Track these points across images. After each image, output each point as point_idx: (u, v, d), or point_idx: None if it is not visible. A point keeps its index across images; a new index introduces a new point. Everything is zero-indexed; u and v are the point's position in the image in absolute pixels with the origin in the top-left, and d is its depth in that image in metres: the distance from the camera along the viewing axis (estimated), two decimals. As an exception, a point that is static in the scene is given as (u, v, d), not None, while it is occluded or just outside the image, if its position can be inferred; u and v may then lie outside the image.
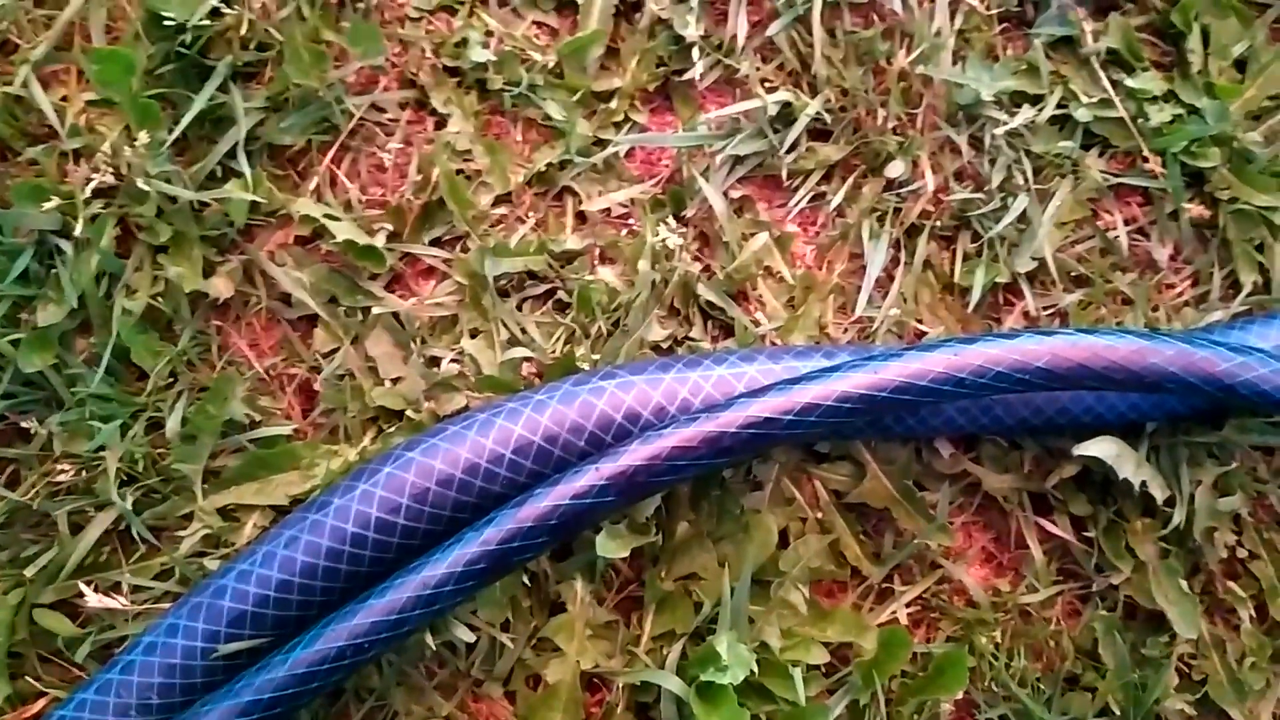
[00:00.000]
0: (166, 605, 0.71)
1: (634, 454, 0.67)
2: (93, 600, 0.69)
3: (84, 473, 0.72)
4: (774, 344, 0.79)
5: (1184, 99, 0.85)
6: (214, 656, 0.66)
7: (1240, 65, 0.87)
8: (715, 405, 0.69)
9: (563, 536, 0.70)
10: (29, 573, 0.70)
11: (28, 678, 0.70)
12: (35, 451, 0.73)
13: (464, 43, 0.82)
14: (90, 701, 0.66)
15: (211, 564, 0.71)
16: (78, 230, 0.72)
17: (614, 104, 0.83)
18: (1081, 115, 0.83)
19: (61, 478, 0.71)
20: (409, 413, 0.75)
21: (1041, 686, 0.75)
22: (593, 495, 0.66)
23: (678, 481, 0.73)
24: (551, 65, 0.83)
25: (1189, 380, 0.67)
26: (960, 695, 0.72)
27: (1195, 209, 0.83)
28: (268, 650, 0.67)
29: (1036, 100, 0.84)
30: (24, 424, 0.72)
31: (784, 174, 0.83)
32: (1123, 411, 0.75)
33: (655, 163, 0.84)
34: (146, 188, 0.74)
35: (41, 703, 0.70)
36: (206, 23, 0.75)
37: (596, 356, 0.74)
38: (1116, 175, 0.84)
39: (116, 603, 0.69)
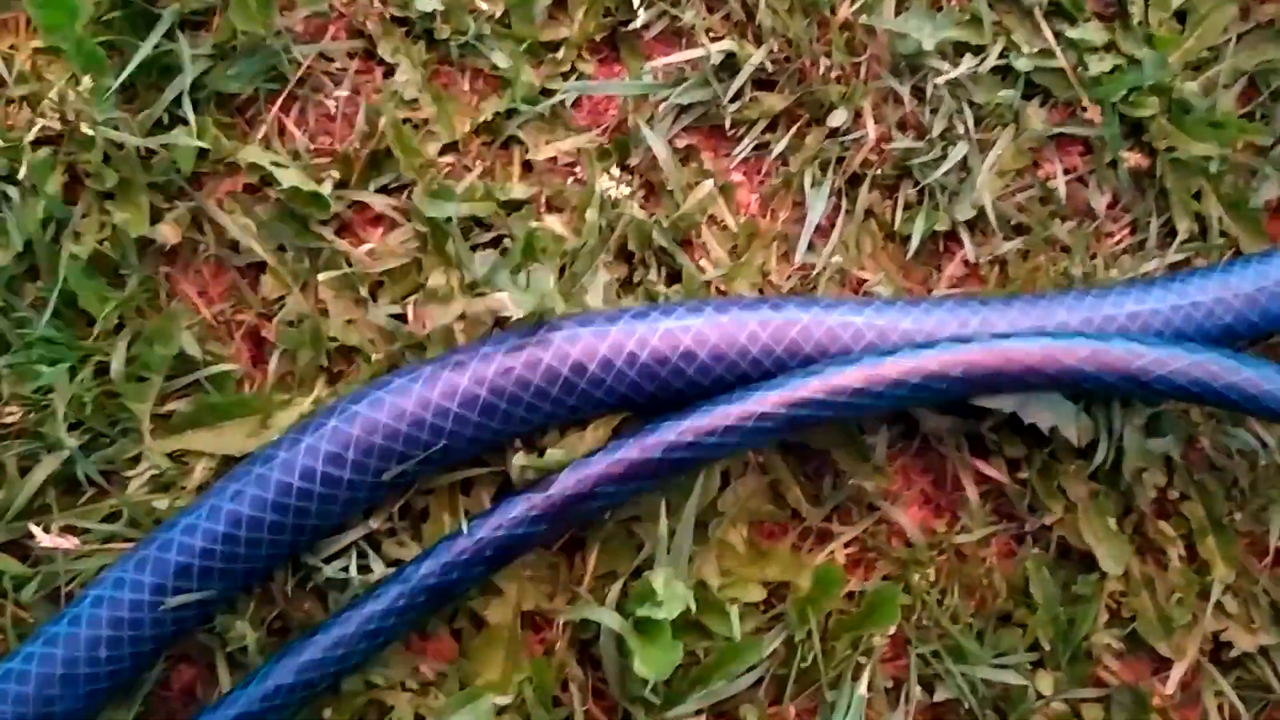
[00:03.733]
0: (115, 546, 0.72)
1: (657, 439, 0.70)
2: (44, 540, 0.70)
3: (32, 415, 0.73)
4: (720, 291, 0.80)
5: (1124, 49, 0.86)
6: (161, 609, 0.68)
7: (1181, 16, 0.88)
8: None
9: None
10: (20, 498, 0.71)
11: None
12: (-19, 395, 0.73)
13: (410, -11, 0.83)
14: (38, 654, 0.67)
15: (160, 504, 0.72)
16: (22, 174, 0.72)
17: (561, 54, 0.84)
18: (1022, 65, 0.85)
19: (9, 420, 0.72)
20: (371, 356, 0.76)
21: (973, 623, 0.77)
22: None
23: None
24: (499, 15, 0.83)
25: (1104, 378, 0.70)
26: (893, 631, 0.74)
27: (1133, 158, 0.84)
28: (214, 603, 0.69)
29: (979, 50, 0.85)
30: (-20, 365, 0.73)
31: (728, 123, 0.84)
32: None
33: (602, 112, 0.85)
34: (92, 134, 0.74)
35: (-9, 646, 0.72)
36: (151, -31, 0.76)
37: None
38: (1057, 125, 0.86)
39: (66, 543, 0.71)
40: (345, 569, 0.72)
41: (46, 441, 0.72)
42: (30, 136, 0.73)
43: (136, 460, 0.74)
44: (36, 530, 0.70)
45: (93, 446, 0.74)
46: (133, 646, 0.68)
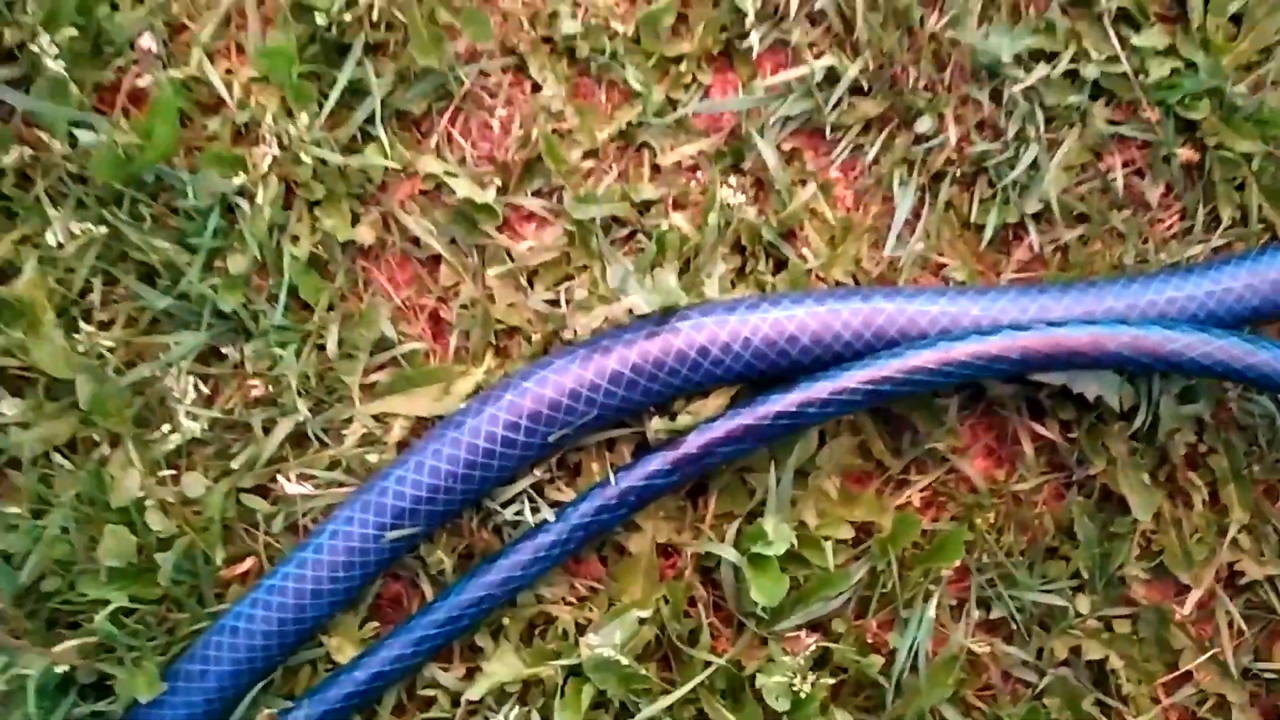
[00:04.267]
0: (337, 491, 0.91)
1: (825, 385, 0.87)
2: (289, 487, 0.90)
3: (270, 387, 0.92)
4: (819, 278, 0.95)
5: (1183, 53, 0.97)
6: (381, 541, 0.88)
7: (1237, 19, 0.98)
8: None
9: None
10: (235, 465, 0.91)
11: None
12: (230, 371, 0.93)
13: (555, 15, 0.96)
14: (292, 574, 0.88)
15: (370, 457, 0.92)
16: (265, 199, 0.90)
17: (683, 66, 0.97)
18: (1090, 72, 0.96)
19: (254, 392, 0.92)
20: (530, 336, 0.93)
21: (1025, 556, 0.94)
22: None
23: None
24: (630, 34, 0.97)
25: (1141, 360, 0.84)
26: (958, 563, 0.92)
27: (1186, 153, 0.97)
28: (419, 536, 0.89)
29: (1051, 57, 0.97)
30: (223, 349, 0.92)
31: (828, 128, 0.97)
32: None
33: (719, 119, 0.99)
34: (305, 157, 0.91)
35: (248, 562, 0.92)
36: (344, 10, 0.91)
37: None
38: (1118, 124, 0.97)
39: (303, 488, 0.91)
40: (518, 511, 0.91)
41: (283, 409, 0.92)
42: (263, 168, 0.89)
43: (349, 421, 0.93)
44: (281, 479, 0.90)
45: (316, 411, 0.93)
46: (360, 569, 0.89)
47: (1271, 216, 0.97)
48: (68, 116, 0.89)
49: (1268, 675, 0.96)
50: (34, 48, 0.88)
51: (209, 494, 0.90)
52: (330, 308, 0.94)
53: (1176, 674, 0.96)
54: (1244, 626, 0.96)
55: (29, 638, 0.86)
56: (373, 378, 0.94)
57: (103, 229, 0.90)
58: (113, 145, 0.88)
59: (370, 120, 0.94)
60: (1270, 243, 0.95)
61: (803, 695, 0.86)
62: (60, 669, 0.85)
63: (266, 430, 0.92)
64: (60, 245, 0.89)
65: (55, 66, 0.88)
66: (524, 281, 0.95)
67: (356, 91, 0.95)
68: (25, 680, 0.83)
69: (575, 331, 0.91)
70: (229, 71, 0.95)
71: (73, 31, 0.90)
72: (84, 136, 0.88)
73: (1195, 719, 0.97)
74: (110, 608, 0.86)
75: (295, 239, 0.93)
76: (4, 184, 0.91)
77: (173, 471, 0.91)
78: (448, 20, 0.94)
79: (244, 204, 0.91)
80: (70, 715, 0.87)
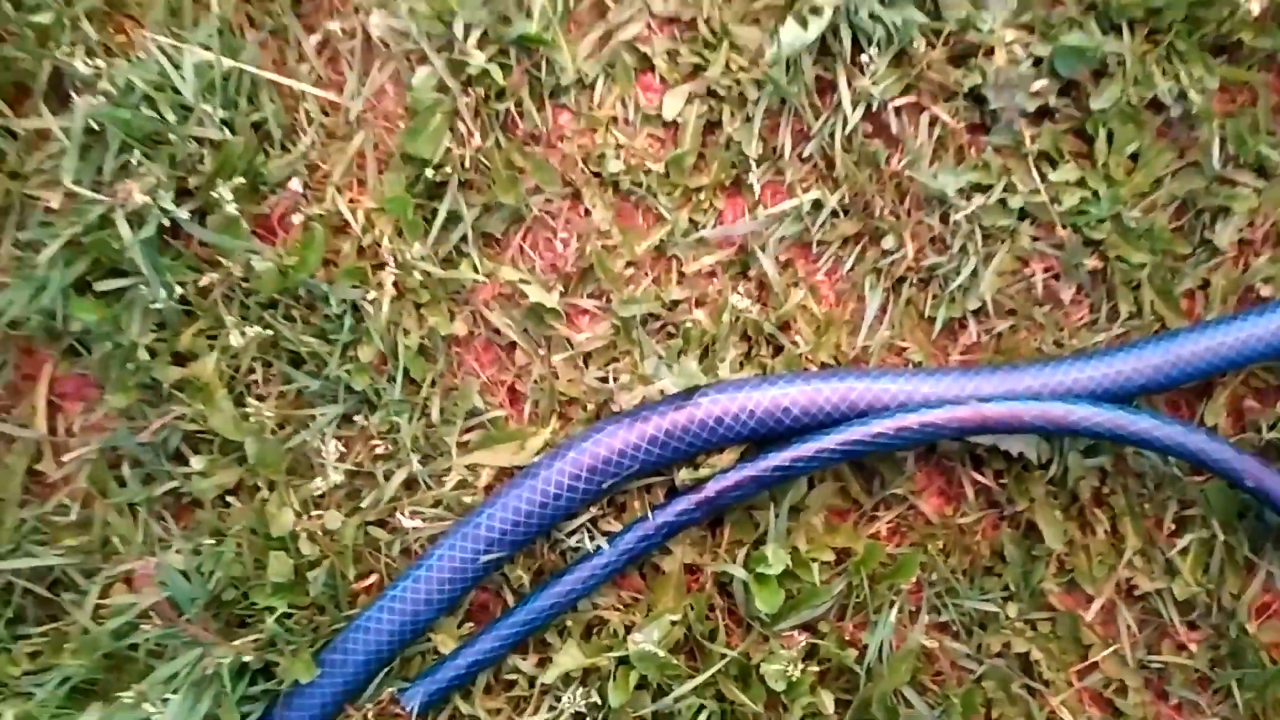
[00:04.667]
0: (440, 523, 1.20)
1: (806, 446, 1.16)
2: (404, 521, 1.19)
3: (390, 445, 1.21)
4: (808, 359, 1.24)
5: (1090, 185, 1.25)
6: (476, 563, 1.17)
7: (1135, 157, 1.26)
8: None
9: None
10: (363, 504, 1.21)
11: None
12: (359, 433, 1.22)
13: (603, 156, 1.25)
14: (409, 586, 1.17)
15: (466, 499, 1.21)
16: (384, 303, 1.19)
17: (702, 196, 1.26)
18: (1016, 201, 1.24)
19: (377, 450, 1.21)
20: (586, 405, 1.22)
21: (966, 574, 1.23)
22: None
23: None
24: (661, 171, 1.26)
25: (1049, 428, 1.13)
26: (914, 579, 1.20)
27: (1091, 263, 1.25)
28: (504, 559, 1.18)
29: (987, 189, 1.25)
30: (354, 417, 1.22)
31: (814, 244, 1.26)
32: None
33: (731, 238, 1.27)
34: (415, 271, 1.20)
35: (373, 578, 1.22)
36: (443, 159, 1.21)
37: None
38: (1038, 240, 1.26)
39: (415, 522, 1.20)
40: (579, 539, 1.20)
41: (399, 461, 1.21)
42: (388, 286, 1.18)
43: (449, 470, 1.22)
44: (399, 515, 1.20)
45: (424, 463, 1.22)
46: (460, 583, 1.18)
47: (1161, 311, 1.25)
48: (244, 248, 1.18)
49: (1157, 665, 1.24)
50: (213, 194, 1.17)
51: (344, 526, 1.20)
52: (433, 384, 1.23)
53: (1086, 664, 1.24)
54: (1137, 628, 1.24)
55: (217, 635, 1.16)
56: (466, 437, 1.23)
57: (264, 330, 1.19)
58: (274, 268, 1.18)
59: (463, 240, 1.24)
60: (1155, 335, 1.22)
61: (796, 679, 1.15)
62: (242, 658, 1.14)
63: (387, 478, 1.22)
64: (235, 342, 1.19)
65: (230, 209, 1.17)
66: (581, 363, 1.24)
67: (452, 217, 1.24)
68: (218, 666, 1.13)
69: (621, 404, 1.20)
70: (353, 201, 1.25)
71: (241, 180, 1.19)
72: (256, 263, 1.17)
73: (1101, 699, 1.25)
74: (276, 614, 1.16)
75: (407, 332, 1.22)
76: (188, 291, 1.20)
77: (318, 510, 1.20)
78: (520, 164, 1.23)
79: (369, 307, 1.20)
80: (246, 693, 1.17)
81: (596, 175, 1.27)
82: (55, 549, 1.21)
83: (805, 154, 1.26)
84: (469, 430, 1.24)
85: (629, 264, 1.26)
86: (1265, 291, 1.24)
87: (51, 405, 1.25)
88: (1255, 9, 1.21)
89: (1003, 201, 1.25)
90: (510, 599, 1.22)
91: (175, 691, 1.13)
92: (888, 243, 1.25)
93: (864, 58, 1.23)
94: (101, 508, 1.22)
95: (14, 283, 1.20)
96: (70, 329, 1.21)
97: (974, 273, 1.25)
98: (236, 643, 1.15)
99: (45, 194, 1.20)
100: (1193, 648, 1.24)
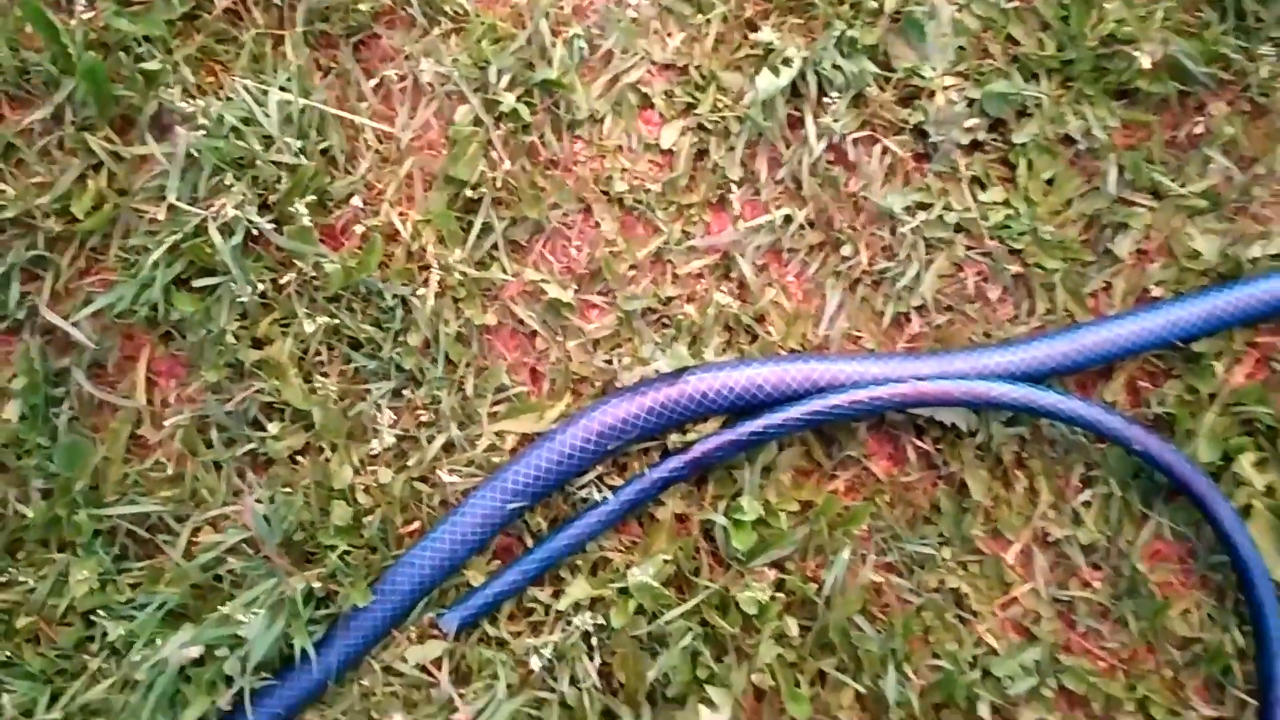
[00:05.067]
0: (473, 479, 1.46)
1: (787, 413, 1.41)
2: (445, 478, 1.44)
3: (432, 415, 1.47)
4: (780, 346, 1.50)
5: (1013, 204, 1.51)
6: (503, 510, 1.42)
7: (1050, 181, 1.52)
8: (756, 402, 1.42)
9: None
10: (409, 463, 1.46)
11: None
12: (407, 405, 1.47)
13: (610, 178, 1.52)
14: (447, 531, 1.42)
15: (494, 459, 1.46)
16: (429, 298, 1.45)
17: (692, 211, 1.52)
18: (952, 218, 1.50)
19: (422, 418, 1.46)
20: (595, 382, 1.48)
21: (909, 523, 1.48)
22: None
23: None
24: (659, 190, 1.52)
25: (974, 403, 1.38)
26: (865, 526, 1.45)
27: (1014, 268, 1.50)
28: (526, 508, 1.43)
29: (928, 207, 1.51)
30: (403, 392, 1.47)
31: (785, 250, 1.52)
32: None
33: (716, 246, 1.53)
34: (454, 271, 1.46)
35: (416, 524, 1.47)
36: (479, 181, 1.47)
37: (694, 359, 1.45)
38: (970, 249, 1.52)
39: (452, 478, 1.45)
40: (588, 492, 1.45)
41: (440, 428, 1.46)
42: (434, 285, 1.44)
43: (480, 436, 1.47)
44: (439, 472, 1.45)
45: (461, 429, 1.47)
46: (489, 528, 1.43)
47: (1071, 308, 1.51)
48: (314, 252, 1.44)
49: (1066, 599, 1.49)
50: (289, 208, 1.43)
51: (394, 481, 1.45)
52: (468, 365, 1.49)
53: (1008, 598, 1.49)
54: (1050, 569, 1.49)
55: (291, 566, 1.41)
56: (495, 409, 1.48)
57: (330, 319, 1.45)
58: (340, 269, 1.44)
59: (494, 247, 1.49)
60: (1065, 327, 1.48)
61: (766, 606, 1.40)
62: (311, 586, 1.39)
63: (429, 441, 1.47)
64: (305, 329, 1.45)
65: (303, 220, 1.43)
66: (590, 348, 1.50)
67: (485, 228, 1.50)
68: (292, 592, 1.38)
69: (623, 382, 1.46)
70: (403, 215, 1.50)
71: (312, 197, 1.45)
72: (325, 265, 1.43)
73: (1020, 627, 1.50)
74: (337, 551, 1.41)
75: (447, 322, 1.48)
76: (267, 287, 1.46)
77: (372, 467, 1.45)
78: (542, 184, 1.50)
79: (416, 301, 1.46)
80: (312, 616, 1.41)
81: (605, 194, 1.53)
82: (153, 499, 1.45)
83: (778, 177, 1.52)
84: (498, 403, 1.49)
85: (631, 267, 1.52)
86: (1157, 292, 1.50)
87: (149, 382, 1.50)
88: (1146, 62, 1.47)
89: (941, 217, 1.51)
90: (530, 541, 1.47)
91: (256, 612, 1.37)
92: (846, 250, 1.51)
93: (827, 100, 1.49)
94: (192, 465, 1.47)
95: (122, 280, 1.45)
96: (169, 319, 1.46)
97: (917, 276, 1.51)
98: (307, 574, 1.40)
99: (149, 208, 1.46)
100: (1095, 585, 1.49)
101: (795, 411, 1.41)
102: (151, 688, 1.38)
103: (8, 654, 1.42)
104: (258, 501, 1.42)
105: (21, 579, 1.42)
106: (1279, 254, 1.49)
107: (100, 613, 1.41)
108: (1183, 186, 1.51)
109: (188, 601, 1.43)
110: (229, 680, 1.38)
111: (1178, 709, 1.47)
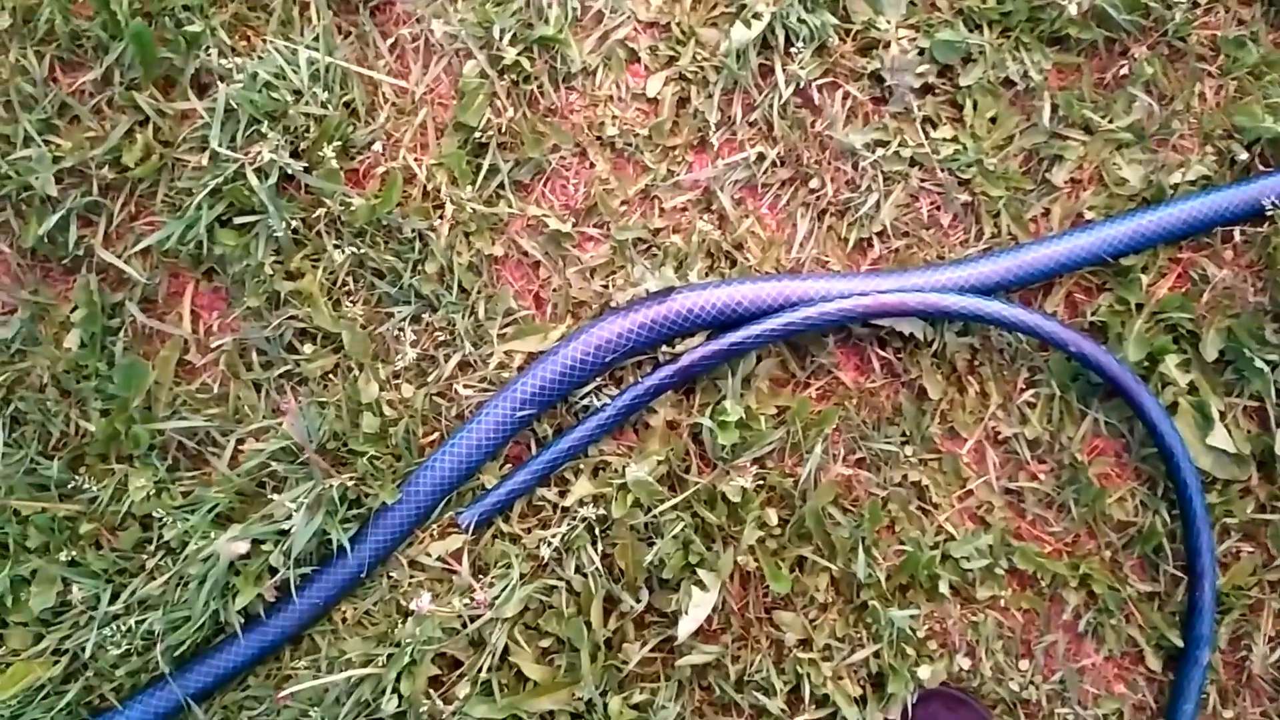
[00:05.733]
0: (485, 393, 1.64)
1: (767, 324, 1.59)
2: (462, 390, 1.62)
3: (449, 335, 1.64)
4: (756, 269, 1.68)
5: (961, 140, 1.70)
6: (513, 420, 1.60)
7: (993, 119, 1.71)
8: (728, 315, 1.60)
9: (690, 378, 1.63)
10: (429, 379, 1.64)
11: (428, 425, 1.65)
12: (425, 327, 1.65)
13: (603, 124, 1.70)
14: (463, 439, 1.60)
15: (504, 375, 1.64)
16: (444, 232, 1.63)
17: (676, 152, 1.71)
18: (907, 153, 1.69)
19: (439, 338, 1.64)
20: (592, 305, 1.66)
21: (874, 424, 1.66)
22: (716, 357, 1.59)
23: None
24: (646, 134, 1.70)
25: (929, 312, 1.57)
26: (835, 426, 1.64)
27: (963, 198, 1.69)
28: (533, 416, 1.61)
29: (886, 144, 1.70)
30: (422, 316, 1.65)
31: (759, 185, 1.71)
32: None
33: (698, 182, 1.72)
34: (466, 207, 1.64)
35: (435, 435, 1.65)
36: (487, 127, 1.65)
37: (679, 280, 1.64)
38: (924, 182, 1.70)
39: (467, 391, 1.63)
40: (588, 401, 1.63)
41: (456, 347, 1.64)
42: (449, 217, 1.62)
43: (491, 355, 1.65)
44: (456, 387, 1.63)
45: (475, 348, 1.65)
46: (499, 436, 1.61)
47: (1015, 231, 1.69)
48: (340, 192, 1.62)
49: (1015, 490, 1.68)
50: (318, 154, 1.61)
51: (415, 395, 1.63)
52: (480, 292, 1.67)
53: (964, 490, 1.68)
54: (1000, 463, 1.68)
55: (329, 467, 1.59)
56: (504, 330, 1.66)
57: (356, 251, 1.63)
58: (365, 205, 1.62)
59: (501, 186, 1.68)
60: (1010, 247, 1.67)
61: (748, 495, 1.58)
62: (345, 485, 1.57)
63: (446, 360, 1.65)
64: (334, 261, 1.63)
65: (332, 164, 1.61)
66: (588, 275, 1.68)
67: (492, 169, 1.68)
68: (329, 490, 1.56)
69: (617, 303, 1.64)
70: (418, 159, 1.69)
71: (338, 143, 1.63)
72: (353, 201, 1.61)
73: (975, 516, 1.68)
74: (366, 456, 1.59)
75: (460, 253, 1.66)
76: (299, 224, 1.64)
77: (396, 382, 1.63)
78: (542, 130, 1.68)
79: (432, 235, 1.64)
80: (345, 515, 1.59)
81: (598, 138, 1.71)
82: (201, 416, 1.63)
83: (752, 120, 1.71)
84: (506, 325, 1.67)
85: (623, 202, 1.70)
86: (1089, 215, 1.69)
87: (194, 314, 1.68)
88: (1075, 11, 1.66)
89: (897, 153, 1.69)
90: (537, 446, 1.65)
91: (297, 506, 1.55)
92: (814, 184, 1.70)
93: (794, 50, 1.68)
94: (235, 385, 1.65)
95: (169, 222, 1.63)
96: (211, 255, 1.64)
97: (877, 205, 1.69)
98: (342, 476, 1.58)
99: (192, 157, 1.64)
100: (1041, 476, 1.68)
101: (771, 323, 1.59)
102: (204, 581, 1.55)
103: (74, 556, 1.59)
104: (298, 403, 1.60)
105: (85, 488, 1.59)
106: (1196, 179, 1.67)
107: (156, 513, 1.58)
108: (1110, 122, 1.70)
109: (234, 505, 1.60)
110: (273, 572, 1.56)
111: (1116, 585, 1.66)
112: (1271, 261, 1.65)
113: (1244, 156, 1.68)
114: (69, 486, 1.60)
